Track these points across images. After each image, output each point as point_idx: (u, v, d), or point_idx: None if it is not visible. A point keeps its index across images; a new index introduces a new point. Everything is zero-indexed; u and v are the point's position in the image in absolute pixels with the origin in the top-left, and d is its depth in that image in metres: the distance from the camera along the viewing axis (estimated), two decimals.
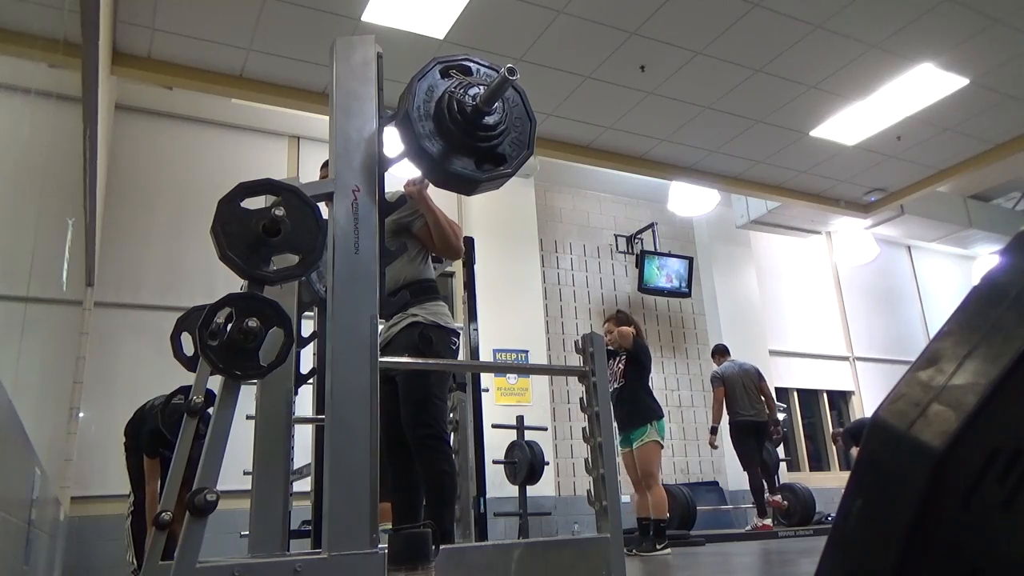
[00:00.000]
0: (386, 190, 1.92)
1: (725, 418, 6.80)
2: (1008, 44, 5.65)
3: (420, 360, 2.65)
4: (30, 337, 2.36)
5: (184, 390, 3.82)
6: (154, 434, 4.14)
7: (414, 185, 2.66)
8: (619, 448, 5.03)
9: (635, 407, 5.03)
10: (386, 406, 2.62)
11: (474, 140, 1.83)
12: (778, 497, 6.92)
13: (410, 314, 2.73)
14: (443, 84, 1.86)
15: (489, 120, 1.83)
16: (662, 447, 5.11)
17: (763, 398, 6.83)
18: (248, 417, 2.38)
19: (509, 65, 1.76)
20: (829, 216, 8.96)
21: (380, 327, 2.57)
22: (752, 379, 6.88)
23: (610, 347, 5.24)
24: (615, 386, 5.10)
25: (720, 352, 7.20)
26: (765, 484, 6.81)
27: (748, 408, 6.73)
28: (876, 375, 10.14)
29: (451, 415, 3.40)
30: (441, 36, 5.17)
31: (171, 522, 1.44)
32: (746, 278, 9.52)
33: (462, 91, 1.82)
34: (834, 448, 9.80)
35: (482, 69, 1.94)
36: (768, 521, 6.66)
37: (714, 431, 6.74)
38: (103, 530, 5.34)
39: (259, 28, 4.95)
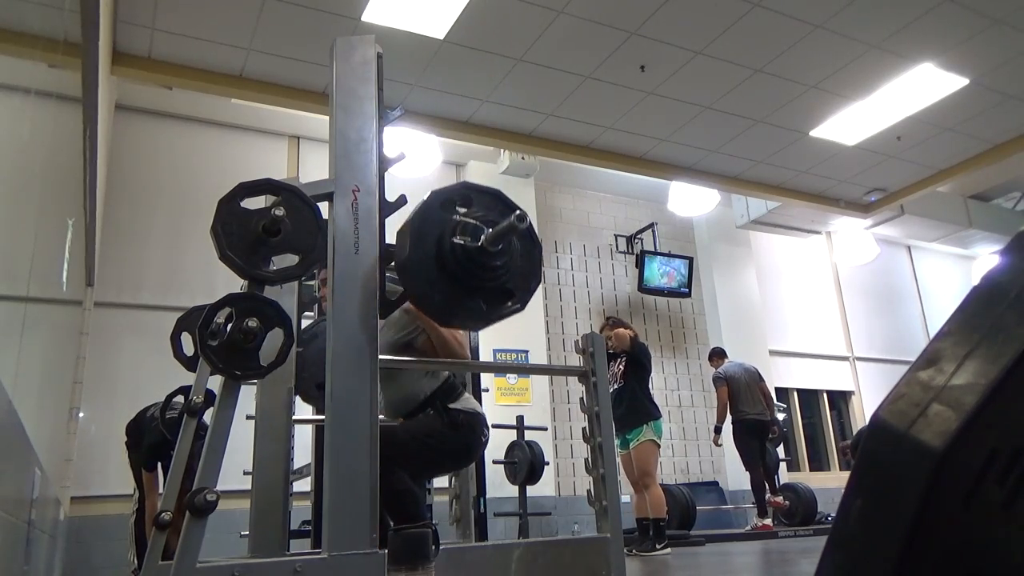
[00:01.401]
0: (386, 190, 1.92)
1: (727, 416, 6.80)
2: (1008, 44, 5.65)
3: (420, 360, 2.64)
4: (30, 337, 2.36)
5: (184, 390, 3.83)
6: (152, 448, 4.16)
7: None
8: (617, 450, 5.03)
9: (632, 408, 5.04)
10: None
11: (481, 281, 1.78)
12: (779, 497, 6.92)
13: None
14: (443, 219, 1.77)
15: (495, 260, 1.77)
16: (659, 446, 5.12)
17: (763, 398, 6.84)
18: (248, 417, 2.38)
19: (519, 212, 1.70)
20: (829, 216, 8.95)
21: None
22: (754, 379, 6.89)
23: (610, 351, 5.25)
24: (614, 387, 5.10)
25: (718, 355, 7.20)
26: (768, 482, 6.81)
27: (753, 407, 6.73)
28: (876, 375, 10.14)
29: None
30: (441, 36, 5.17)
31: (171, 522, 1.44)
32: (746, 278, 9.52)
33: (464, 233, 1.74)
34: (835, 448, 9.81)
35: (483, 197, 1.87)
36: (768, 521, 6.66)
37: (718, 431, 6.74)
38: (103, 530, 5.34)
39: (259, 28, 4.95)
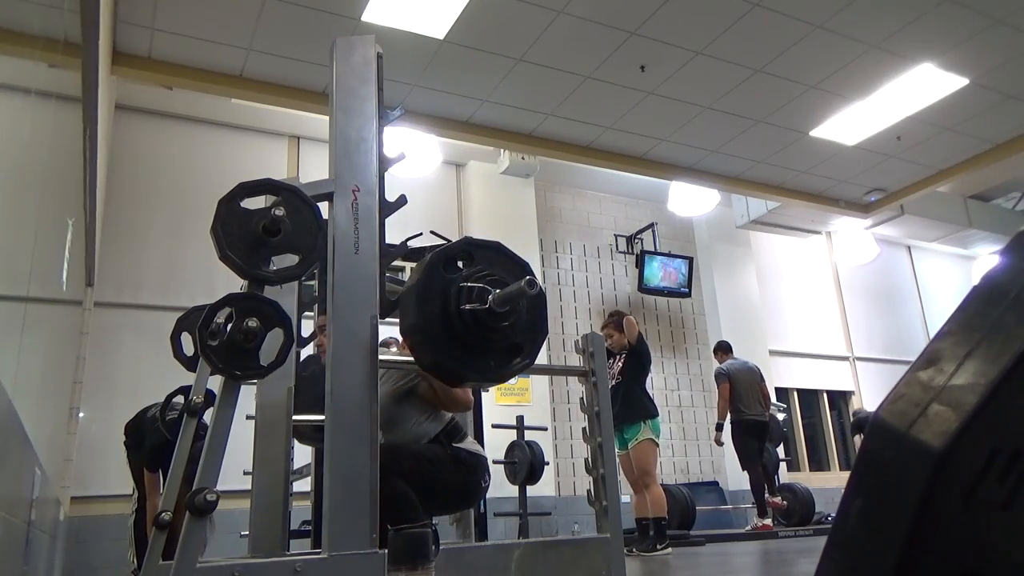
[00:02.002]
0: (386, 190, 1.92)
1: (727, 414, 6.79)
2: (1008, 44, 5.65)
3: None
4: (30, 337, 2.36)
5: (184, 390, 3.82)
6: (155, 449, 4.15)
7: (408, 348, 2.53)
8: (616, 450, 5.03)
9: (629, 405, 5.03)
10: None
11: (489, 343, 1.77)
12: (778, 498, 6.91)
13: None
14: (445, 283, 1.75)
15: (503, 321, 1.75)
16: (657, 445, 5.12)
17: (762, 398, 6.82)
18: (248, 417, 2.38)
19: (529, 278, 1.67)
20: (829, 216, 8.95)
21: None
22: (756, 378, 6.87)
23: (611, 349, 5.25)
24: (611, 383, 5.10)
25: (723, 349, 7.15)
26: (767, 483, 6.81)
27: (754, 407, 6.72)
28: (876, 375, 10.14)
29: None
30: (441, 36, 5.17)
31: (171, 522, 1.44)
32: (746, 278, 9.52)
33: (471, 297, 1.72)
34: (835, 448, 9.81)
35: (484, 252, 1.84)
36: (768, 521, 6.66)
37: (720, 428, 6.70)
38: (103, 530, 5.34)
39: (259, 28, 4.95)
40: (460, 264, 1.79)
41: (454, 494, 2.49)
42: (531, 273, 1.76)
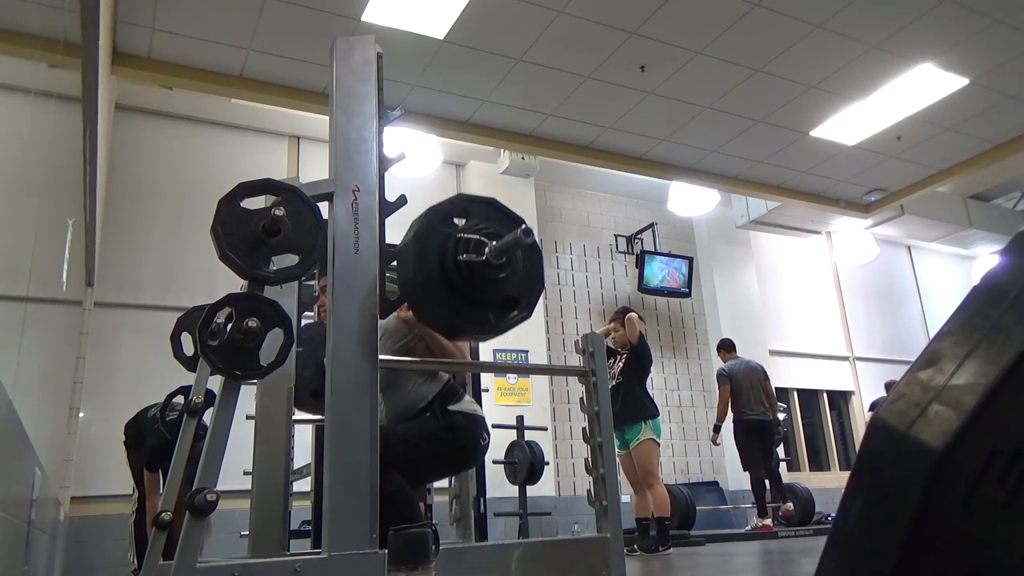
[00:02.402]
0: (386, 190, 1.92)
1: (727, 415, 6.77)
2: (1008, 44, 5.65)
3: (419, 360, 2.64)
4: (30, 337, 2.36)
5: (184, 390, 3.83)
6: (155, 450, 4.15)
7: (407, 309, 2.54)
8: (616, 450, 5.03)
9: (629, 405, 5.03)
10: None
11: (486, 295, 1.80)
12: (789, 506, 6.86)
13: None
14: (443, 233, 1.78)
15: (499, 273, 1.78)
16: (658, 445, 5.12)
17: (765, 397, 6.79)
18: (248, 417, 2.38)
19: (524, 226, 1.71)
20: (829, 216, 8.96)
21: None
22: (758, 378, 6.84)
23: (613, 346, 5.25)
24: (612, 384, 5.10)
25: (727, 347, 7.11)
26: (773, 489, 6.77)
27: (755, 407, 6.70)
28: (876, 375, 10.13)
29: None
30: (441, 36, 5.17)
31: (171, 522, 1.44)
32: (746, 278, 9.52)
33: (468, 249, 1.75)
34: (835, 448, 9.82)
35: (479, 207, 1.87)
36: (768, 521, 6.65)
37: (717, 429, 6.70)
38: (103, 530, 5.34)
39: (259, 28, 4.95)
40: (456, 221, 1.82)
41: (452, 461, 2.53)
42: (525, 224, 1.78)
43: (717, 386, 6.94)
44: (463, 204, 1.87)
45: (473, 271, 1.75)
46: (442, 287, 1.76)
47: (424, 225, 1.79)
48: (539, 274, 1.91)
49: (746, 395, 6.71)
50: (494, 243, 1.75)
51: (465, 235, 1.78)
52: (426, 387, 2.50)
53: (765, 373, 6.94)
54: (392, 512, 2.17)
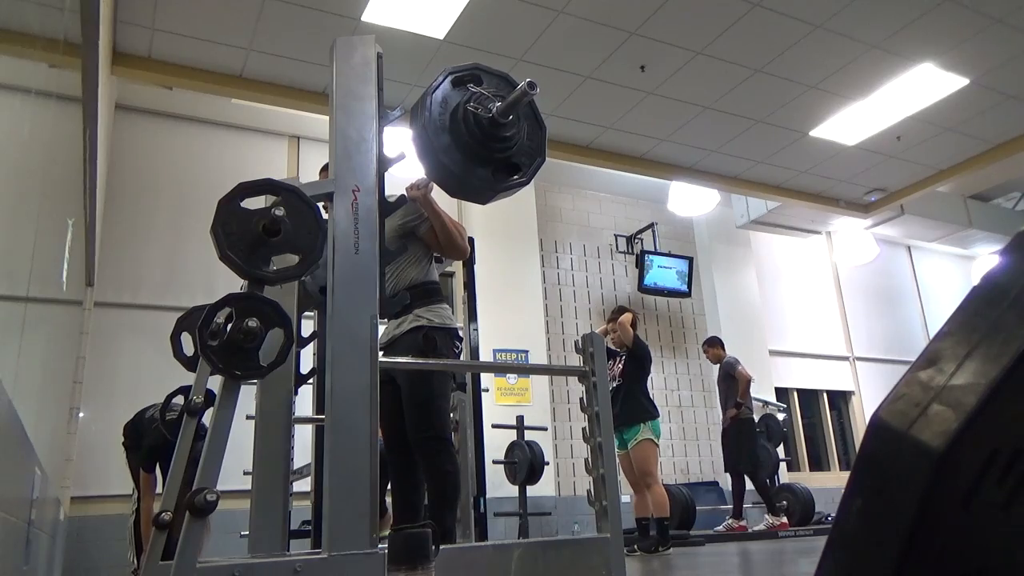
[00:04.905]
0: (386, 190, 1.92)
1: (720, 416, 6.74)
2: (1008, 44, 5.65)
3: (420, 360, 2.65)
4: (30, 337, 2.36)
5: (184, 390, 3.83)
6: (152, 450, 4.16)
7: (418, 189, 2.67)
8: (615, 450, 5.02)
9: (629, 407, 5.02)
10: (387, 406, 2.62)
11: (491, 151, 1.86)
12: (783, 518, 6.79)
13: (414, 316, 2.74)
14: (456, 95, 1.89)
15: (504, 132, 1.86)
16: (657, 445, 5.11)
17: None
18: (248, 417, 2.38)
19: (529, 80, 1.80)
20: (829, 216, 8.95)
21: (382, 328, 2.60)
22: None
23: (611, 346, 5.24)
24: (612, 386, 5.10)
25: (720, 345, 7.01)
26: (764, 489, 6.73)
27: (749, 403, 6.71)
28: (876, 375, 10.14)
29: (451, 415, 3.39)
30: (441, 36, 5.17)
31: (171, 522, 1.44)
32: (746, 278, 9.51)
33: (477, 103, 1.85)
34: (834, 448, 9.81)
35: (492, 78, 1.97)
36: (743, 523, 6.55)
37: (739, 407, 6.54)
38: (103, 530, 5.34)
39: (259, 28, 4.95)
40: (471, 87, 1.94)
41: (448, 376, 2.87)
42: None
43: (735, 371, 6.67)
44: (478, 72, 1.96)
45: (480, 125, 1.83)
46: (448, 137, 1.85)
47: (437, 84, 1.90)
48: (541, 147, 1.99)
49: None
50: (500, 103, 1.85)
51: (477, 91, 1.89)
52: (416, 269, 2.82)
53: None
54: (443, 494, 2.56)
